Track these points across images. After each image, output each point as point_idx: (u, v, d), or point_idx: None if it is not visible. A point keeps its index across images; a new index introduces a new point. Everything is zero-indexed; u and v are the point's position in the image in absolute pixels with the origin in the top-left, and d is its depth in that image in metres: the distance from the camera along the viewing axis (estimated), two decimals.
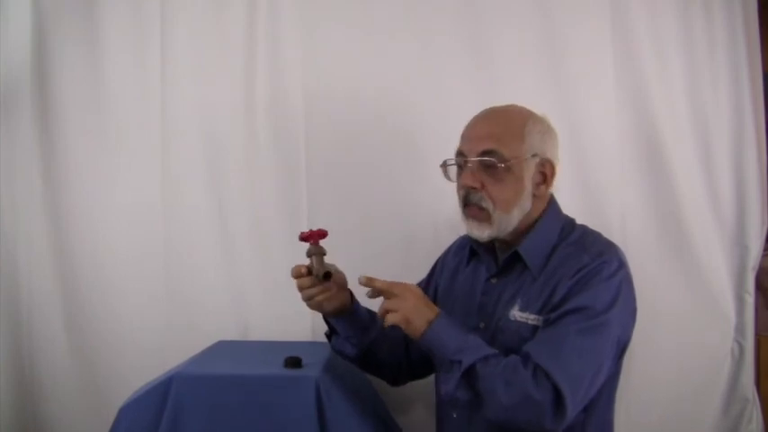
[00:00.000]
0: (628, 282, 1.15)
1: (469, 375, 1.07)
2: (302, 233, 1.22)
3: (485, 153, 1.17)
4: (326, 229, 1.23)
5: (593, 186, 1.64)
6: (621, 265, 1.14)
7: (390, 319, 1.11)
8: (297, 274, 1.21)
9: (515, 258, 1.20)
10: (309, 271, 1.19)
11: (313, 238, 1.20)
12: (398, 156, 1.66)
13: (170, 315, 1.68)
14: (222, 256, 1.69)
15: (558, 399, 1.03)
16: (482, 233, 1.18)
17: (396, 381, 1.38)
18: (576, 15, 1.64)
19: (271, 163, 1.69)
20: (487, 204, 1.17)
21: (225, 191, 1.70)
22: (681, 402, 1.63)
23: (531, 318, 1.14)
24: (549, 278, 1.15)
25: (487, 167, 1.17)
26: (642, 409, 1.61)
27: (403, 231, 1.66)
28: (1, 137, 1.71)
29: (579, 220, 1.26)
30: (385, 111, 1.66)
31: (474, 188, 1.17)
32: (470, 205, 1.19)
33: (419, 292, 1.16)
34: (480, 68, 1.66)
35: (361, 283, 1.15)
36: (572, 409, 1.05)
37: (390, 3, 1.67)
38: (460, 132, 1.25)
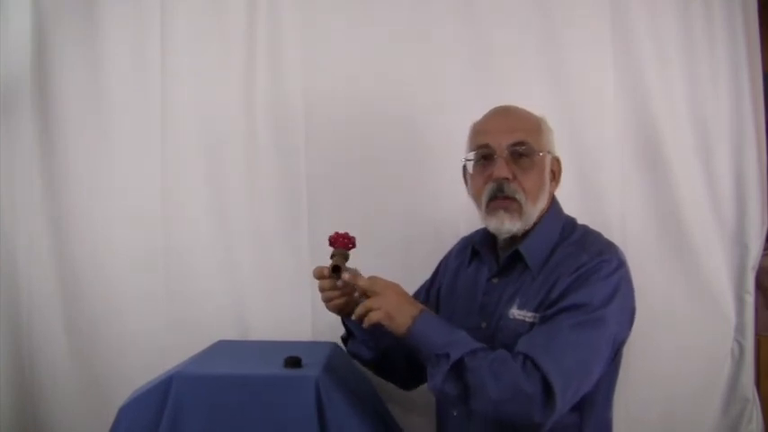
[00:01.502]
0: (626, 281, 1.15)
1: (458, 369, 1.06)
2: (330, 237, 1.23)
3: (517, 144, 1.17)
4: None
5: (593, 186, 1.64)
6: (621, 264, 1.14)
7: (373, 316, 1.11)
8: (319, 276, 1.21)
9: (516, 258, 1.20)
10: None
11: (339, 242, 1.21)
12: (398, 156, 1.66)
13: (170, 315, 1.68)
14: (222, 256, 1.69)
15: (547, 391, 1.02)
16: (513, 226, 1.17)
17: (406, 385, 1.38)
18: (575, 15, 1.64)
19: (271, 163, 1.69)
20: (520, 196, 1.17)
21: (225, 191, 1.69)
22: (681, 402, 1.63)
23: (528, 315, 1.14)
24: (548, 276, 1.15)
25: (519, 158, 1.17)
26: (642, 409, 1.61)
27: (403, 231, 1.66)
28: (1, 137, 1.71)
29: (579, 221, 1.27)
30: (385, 111, 1.66)
31: (507, 179, 1.17)
32: (502, 198, 1.17)
33: (400, 289, 1.16)
34: (480, 68, 1.66)
35: (345, 281, 1.16)
36: (562, 403, 1.03)
37: (391, 3, 1.67)
38: (464, 131, 1.26)
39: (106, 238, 1.69)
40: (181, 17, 1.69)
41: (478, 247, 1.30)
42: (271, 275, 1.66)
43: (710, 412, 1.65)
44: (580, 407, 1.12)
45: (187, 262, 1.69)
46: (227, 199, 1.69)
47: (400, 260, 1.62)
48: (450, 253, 1.43)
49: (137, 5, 1.69)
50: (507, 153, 1.17)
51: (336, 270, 1.17)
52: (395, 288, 1.15)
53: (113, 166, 1.70)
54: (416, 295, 1.47)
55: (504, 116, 1.23)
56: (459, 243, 1.43)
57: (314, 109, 1.68)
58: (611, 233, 1.55)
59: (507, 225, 1.17)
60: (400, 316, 1.11)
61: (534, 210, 1.18)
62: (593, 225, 1.26)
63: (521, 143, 1.18)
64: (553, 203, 1.25)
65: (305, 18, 1.67)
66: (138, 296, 1.69)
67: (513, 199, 1.17)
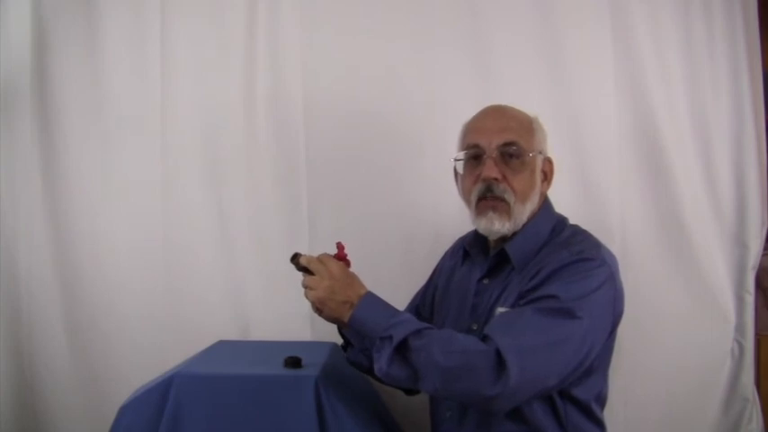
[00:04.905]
0: (609, 281, 1.11)
1: (402, 350, 1.04)
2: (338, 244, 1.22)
3: (507, 144, 1.16)
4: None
5: (593, 186, 1.64)
6: (603, 264, 1.11)
7: (309, 296, 1.12)
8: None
9: (504, 257, 1.19)
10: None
11: (339, 254, 1.20)
12: (398, 155, 1.66)
13: (170, 315, 1.68)
14: (222, 256, 1.69)
15: (499, 363, 0.98)
16: (502, 227, 1.16)
17: (410, 390, 1.35)
18: (576, 15, 1.64)
19: (271, 162, 1.69)
20: (509, 196, 1.16)
21: (225, 190, 1.70)
22: (681, 402, 1.63)
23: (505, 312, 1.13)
24: (527, 274, 1.14)
25: (509, 159, 1.17)
26: (642, 409, 1.61)
27: (403, 231, 1.66)
28: (1, 137, 1.71)
29: (579, 220, 1.26)
30: (385, 110, 1.66)
31: (497, 179, 1.16)
32: (490, 198, 1.16)
33: (340, 273, 1.13)
34: (480, 69, 1.66)
35: (302, 264, 1.15)
36: (518, 379, 0.98)
37: (390, 3, 1.67)
38: (462, 130, 1.25)
39: (106, 238, 1.70)
40: (181, 17, 1.69)
41: (469, 247, 1.30)
42: (271, 275, 1.66)
43: (710, 412, 1.65)
44: (570, 408, 1.12)
45: (187, 261, 1.69)
46: (228, 199, 1.69)
47: (400, 260, 1.63)
48: (445, 254, 1.43)
49: (137, 5, 1.70)
50: (497, 153, 1.16)
51: (295, 258, 1.18)
52: (335, 271, 1.12)
53: (113, 165, 1.70)
54: (414, 298, 1.47)
55: (494, 115, 1.22)
56: (454, 244, 1.42)
57: (314, 108, 1.68)
58: (611, 233, 1.57)
59: (497, 226, 1.16)
60: (334, 302, 1.10)
61: (524, 210, 1.17)
62: (593, 225, 1.25)
63: (511, 143, 1.16)
64: (545, 204, 1.24)
65: (305, 18, 1.67)
66: (138, 295, 1.69)
67: (502, 199, 1.16)
